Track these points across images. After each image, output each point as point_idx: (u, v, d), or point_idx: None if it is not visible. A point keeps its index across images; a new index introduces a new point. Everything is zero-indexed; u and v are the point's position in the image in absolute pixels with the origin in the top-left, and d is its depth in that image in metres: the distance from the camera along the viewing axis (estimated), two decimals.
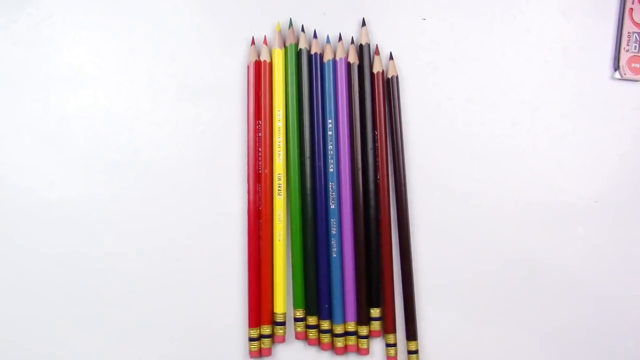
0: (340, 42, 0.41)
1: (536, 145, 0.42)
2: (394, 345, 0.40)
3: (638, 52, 0.43)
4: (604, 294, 0.42)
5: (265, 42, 0.41)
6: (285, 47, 0.41)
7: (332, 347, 0.40)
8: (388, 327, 0.40)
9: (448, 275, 0.41)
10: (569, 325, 0.42)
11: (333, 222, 0.40)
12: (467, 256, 0.41)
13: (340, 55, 0.41)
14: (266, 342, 0.40)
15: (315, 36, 0.41)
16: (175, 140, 0.41)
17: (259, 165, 0.40)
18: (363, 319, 0.40)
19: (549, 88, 0.43)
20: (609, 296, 0.42)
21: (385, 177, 0.40)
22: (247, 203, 0.40)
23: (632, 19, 0.43)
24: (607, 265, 0.42)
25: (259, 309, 0.40)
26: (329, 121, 0.40)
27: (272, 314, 0.40)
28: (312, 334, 0.40)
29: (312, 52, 0.41)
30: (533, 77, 0.43)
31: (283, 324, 0.40)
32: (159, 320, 0.40)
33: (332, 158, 0.40)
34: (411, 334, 0.40)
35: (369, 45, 0.41)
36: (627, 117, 0.43)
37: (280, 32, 0.41)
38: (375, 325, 0.40)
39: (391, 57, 0.42)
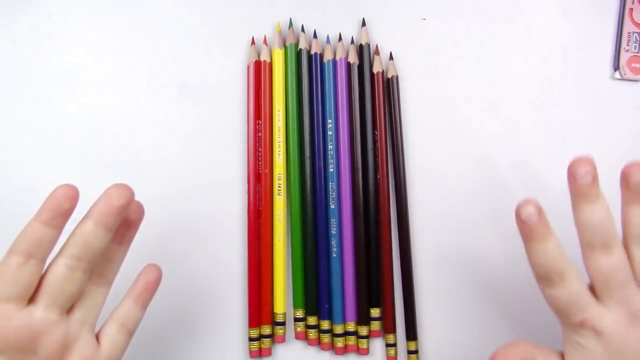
0: (340, 42, 0.41)
1: (536, 145, 0.42)
2: (394, 345, 0.40)
3: (638, 52, 0.43)
4: None
5: (265, 42, 0.41)
6: (285, 47, 0.41)
7: (332, 347, 0.40)
8: (388, 327, 0.40)
9: (448, 276, 0.41)
10: None
11: (333, 222, 0.40)
12: (467, 256, 0.41)
13: (340, 55, 0.41)
14: (266, 342, 0.40)
15: (315, 36, 0.41)
16: (175, 140, 0.41)
17: (259, 165, 0.40)
18: (363, 319, 0.40)
19: (549, 88, 0.43)
20: None
21: (385, 177, 0.40)
22: (247, 203, 0.40)
23: (632, 19, 0.43)
24: None
25: (259, 309, 0.40)
26: (329, 121, 0.40)
27: (272, 314, 0.40)
28: (312, 334, 0.40)
29: (312, 52, 0.41)
30: (533, 77, 0.43)
31: (283, 324, 0.40)
32: (160, 320, 0.40)
33: (332, 158, 0.40)
34: (411, 334, 0.40)
35: (369, 45, 0.41)
36: (627, 117, 0.43)
37: (280, 32, 0.41)
38: (375, 325, 0.40)
39: (391, 57, 0.42)
